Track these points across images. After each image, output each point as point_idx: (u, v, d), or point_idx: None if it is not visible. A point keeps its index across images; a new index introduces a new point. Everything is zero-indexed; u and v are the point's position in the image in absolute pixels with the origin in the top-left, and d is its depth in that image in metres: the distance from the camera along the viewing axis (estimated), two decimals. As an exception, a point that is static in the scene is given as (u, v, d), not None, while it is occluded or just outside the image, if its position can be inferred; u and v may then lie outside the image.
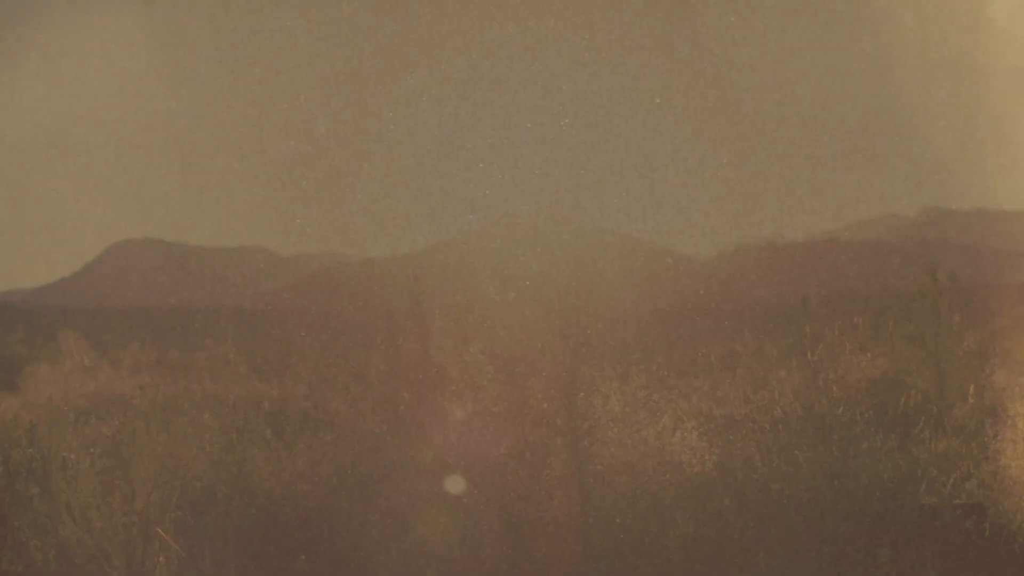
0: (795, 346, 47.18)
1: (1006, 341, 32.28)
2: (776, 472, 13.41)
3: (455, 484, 14.37)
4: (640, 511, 13.51)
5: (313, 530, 13.95)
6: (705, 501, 13.13)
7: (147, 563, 12.46)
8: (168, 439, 15.30)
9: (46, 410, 26.27)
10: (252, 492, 14.15)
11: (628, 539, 13.40)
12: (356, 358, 39.84)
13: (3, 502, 13.27)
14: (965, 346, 23.43)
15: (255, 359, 48.21)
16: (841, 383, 15.80)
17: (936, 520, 12.76)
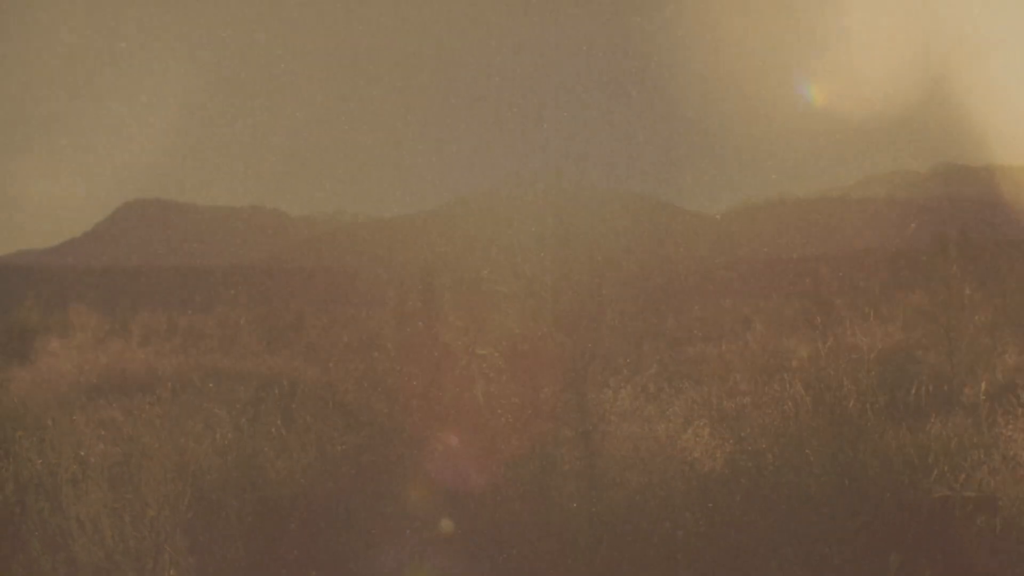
0: (804, 313, 47.20)
1: (1019, 311, 32.17)
2: (787, 465, 13.37)
3: (464, 477, 14.37)
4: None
5: (320, 523, 13.95)
6: (715, 494, 13.13)
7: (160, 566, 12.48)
8: (177, 429, 15.26)
9: (56, 390, 26.37)
10: (263, 486, 14.16)
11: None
12: (365, 328, 39.86)
13: (12, 516, 13.29)
14: (977, 320, 23.31)
15: (265, 326, 48.34)
16: (850, 359, 15.66)
17: (947, 515, 12.71)
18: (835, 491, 13.07)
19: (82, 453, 13.68)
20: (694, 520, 12.77)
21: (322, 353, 33.10)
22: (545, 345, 14.36)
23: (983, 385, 18.44)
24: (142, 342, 45.44)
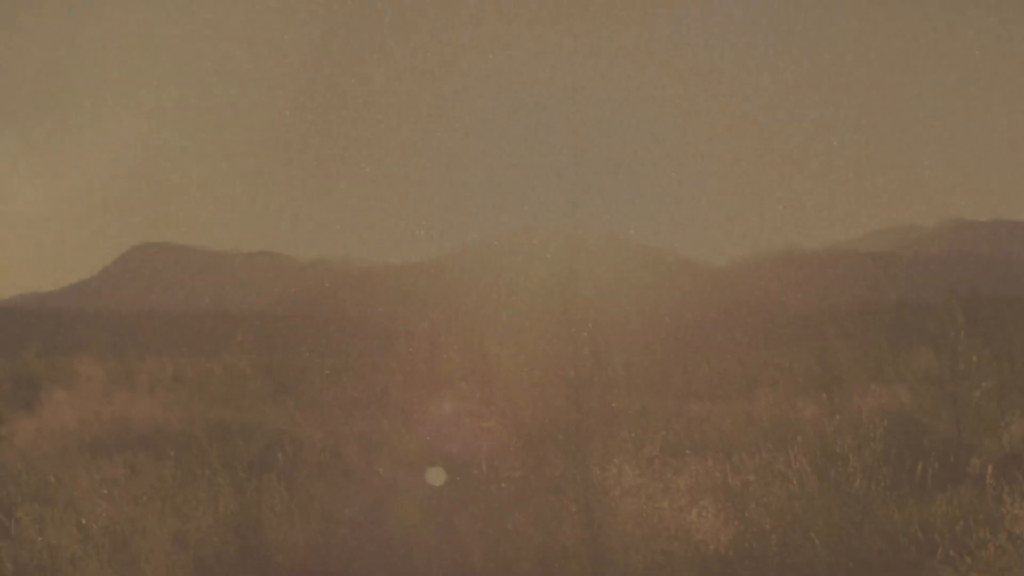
0: (810, 371, 47.13)
1: (1025, 376, 32.03)
2: (791, 545, 13.31)
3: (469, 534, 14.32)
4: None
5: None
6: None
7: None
8: (180, 496, 15.25)
9: (60, 444, 26.32)
10: (265, 558, 14.11)
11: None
12: (371, 381, 39.82)
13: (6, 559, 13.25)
14: (984, 386, 23.19)
15: (272, 377, 48.26)
16: (857, 425, 15.63)
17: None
18: (840, 573, 13.00)
19: (83, 522, 13.68)
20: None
21: (329, 409, 33.06)
22: (550, 416, 14.33)
23: (988, 459, 18.34)
24: (148, 391, 45.42)
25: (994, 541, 13.27)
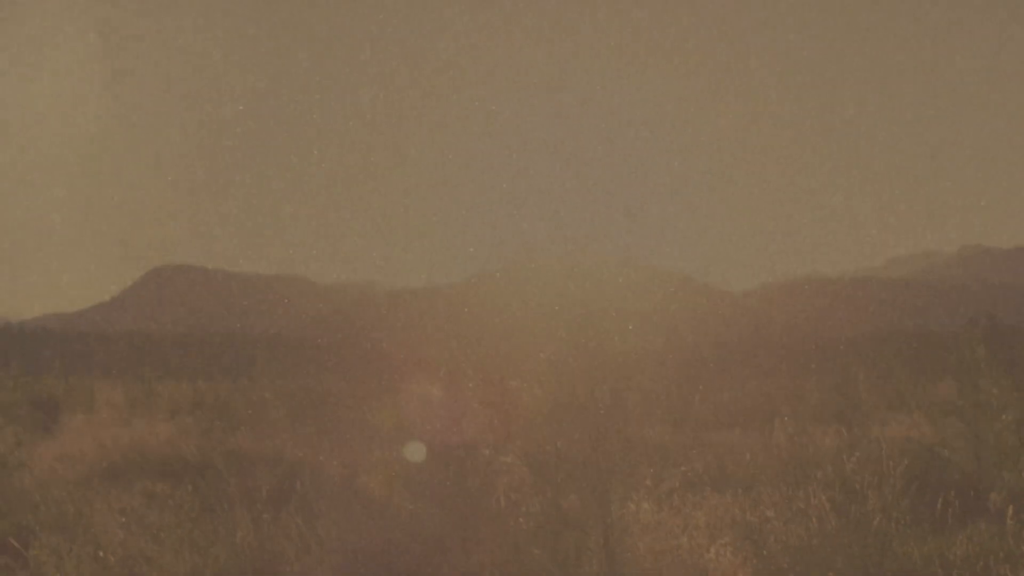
0: (829, 400, 46.98)
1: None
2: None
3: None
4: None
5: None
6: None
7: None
8: (197, 528, 15.26)
9: (78, 470, 26.36)
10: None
11: None
12: (392, 408, 39.78)
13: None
14: (1004, 419, 23.10)
15: (291, 401, 48.23)
16: (877, 460, 15.55)
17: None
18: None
19: (101, 554, 13.69)
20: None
21: (349, 436, 33.03)
22: (569, 449, 14.31)
23: (1009, 494, 18.24)
24: (167, 415, 45.49)
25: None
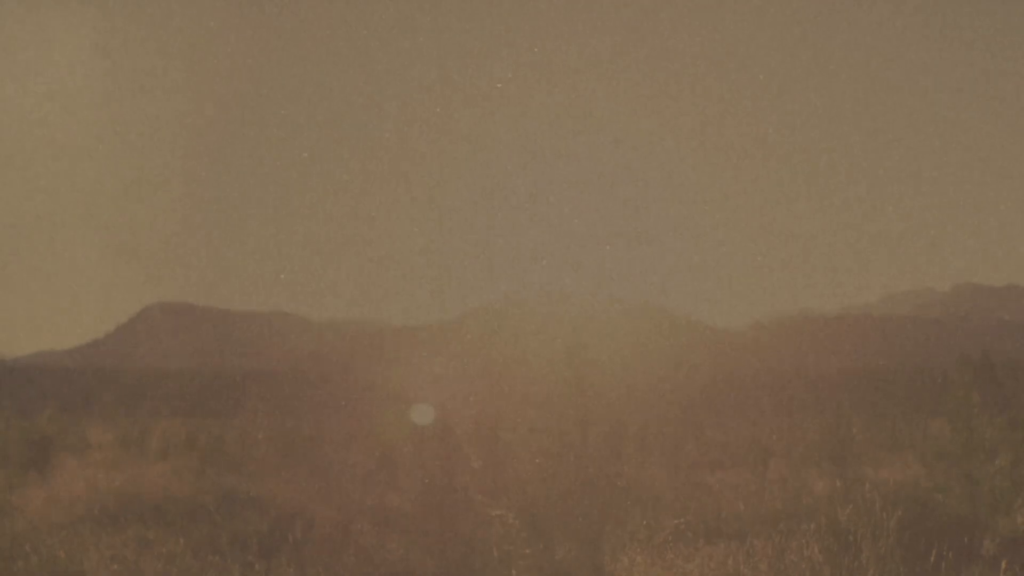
0: (823, 439, 46.87)
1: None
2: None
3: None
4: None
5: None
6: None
7: None
8: (187, 573, 15.18)
9: (71, 513, 26.23)
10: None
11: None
12: (385, 451, 39.69)
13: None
14: (998, 463, 23.07)
15: (283, 442, 48.10)
16: (871, 510, 15.52)
17: None
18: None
19: None
20: None
21: (340, 479, 32.94)
22: (561, 499, 14.27)
23: (1002, 541, 18.19)
24: (160, 456, 45.30)
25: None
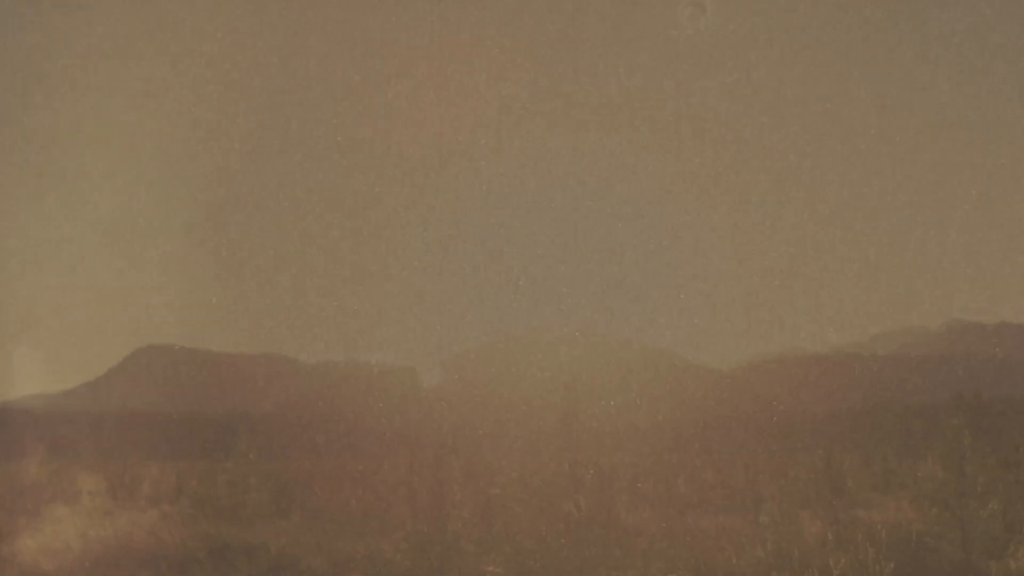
0: (814, 481, 46.87)
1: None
2: None
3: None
4: None
5: None
6: None
7: None
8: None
9: (61, 564, 26.17)
10: None
11: None
12: (376, 497, 39.63)
13: None
14: (991, 507, 23.11)
15: (274, 487, 48.01)
16: (864, 552, 15.51)
17: None
18: None
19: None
20: None
21: (331, 526, 32.91)
22: (553, 554, 14.27)
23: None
24: (150, 503, 45.23)
25: None
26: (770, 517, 35.61)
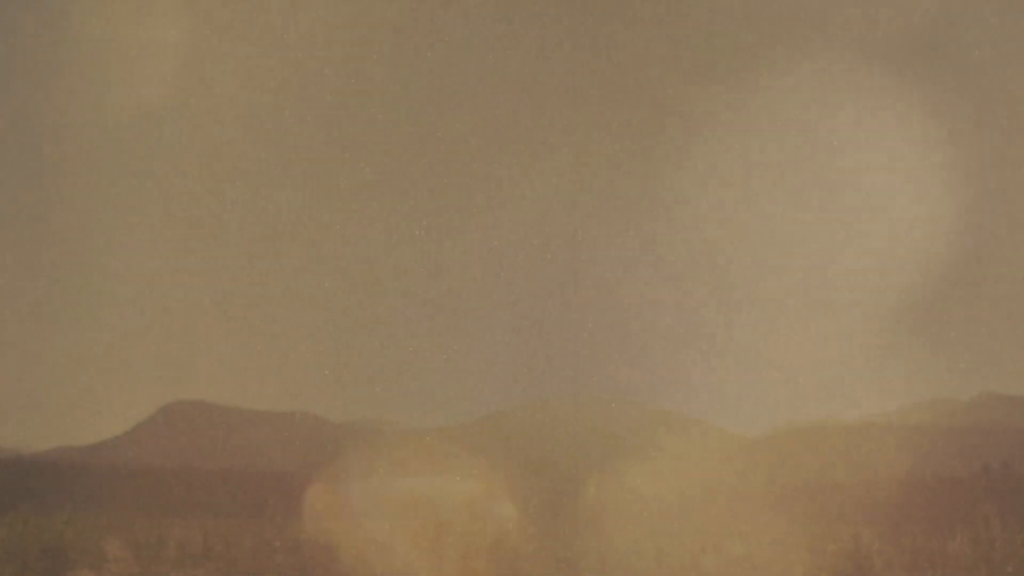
0: (844, 560, 46.55)
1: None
2: None
3: None
4: None
5: None
6: None
7: None
8: None
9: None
10: None
11: None
12: (398, 557, 39.57)
13: None
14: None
15: (302, 553, 47.92)
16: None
17: None
18: None
19: None
20: None
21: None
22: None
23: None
24: (176, 565, 45.16)
25: None
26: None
